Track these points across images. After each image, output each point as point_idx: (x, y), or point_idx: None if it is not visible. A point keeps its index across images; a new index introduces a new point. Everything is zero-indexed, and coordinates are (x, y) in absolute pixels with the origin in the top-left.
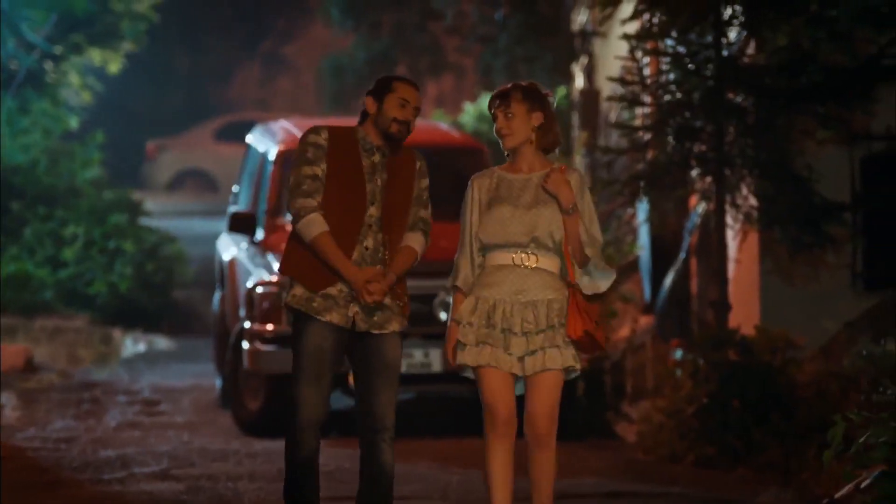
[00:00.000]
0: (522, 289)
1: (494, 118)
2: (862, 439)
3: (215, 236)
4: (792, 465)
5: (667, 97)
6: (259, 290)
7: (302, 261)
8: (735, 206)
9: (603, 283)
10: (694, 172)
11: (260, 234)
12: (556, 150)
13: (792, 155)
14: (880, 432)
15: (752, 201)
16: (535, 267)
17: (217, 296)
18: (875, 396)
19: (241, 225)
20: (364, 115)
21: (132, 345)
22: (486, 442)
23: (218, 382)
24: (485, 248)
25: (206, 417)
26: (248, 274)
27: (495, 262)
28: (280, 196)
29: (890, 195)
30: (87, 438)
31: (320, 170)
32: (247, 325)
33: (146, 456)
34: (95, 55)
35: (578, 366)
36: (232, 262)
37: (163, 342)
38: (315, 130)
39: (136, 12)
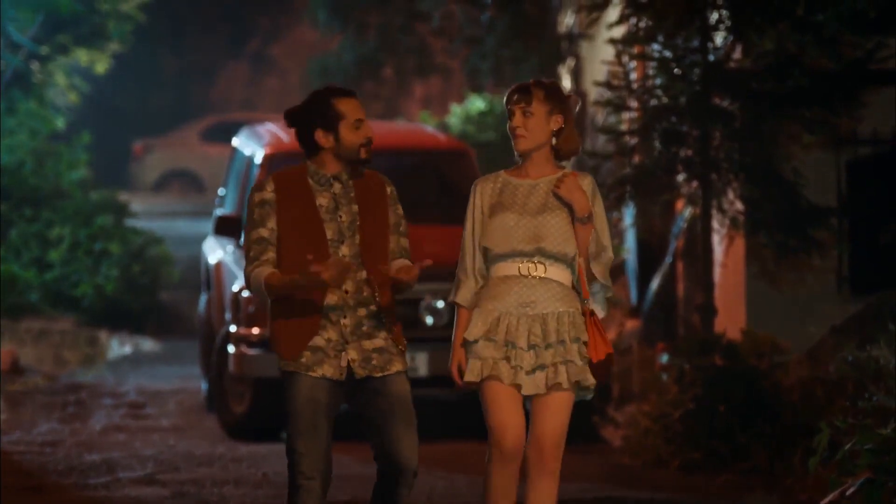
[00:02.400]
0: (530, 300)
1: (510, 114)
2: (847, 446)
3: (202, 237)
4: (778, 470)
5: (653, 102)
6: (245, 293)
7: (277, 330)
8: (721, 210)
9: (603, 313)
10: (680, 177)
11: None
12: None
13: (778, 159)
14: (865, 439)
15: (739, 206)
16: (544, 277)
17: (203, 299)
18: (861, 403)
19: (227, 228)
20: (310, 149)
21: (118, 347)
22: (488, 465)
23: (203, 386)
24: (489, 259)
25: (192, 421)
26: (234, 277)
27: (500, 272)
28: None
29: (876, 199)
30: (73, 442)
31: (267, 230)
32: (232, 328)
33: (131, 460)
34: (82, 55)
35: (592, 384)
36: (218, 265)
37: (149, 344)
38: (258, 186)
39: (123, 12)
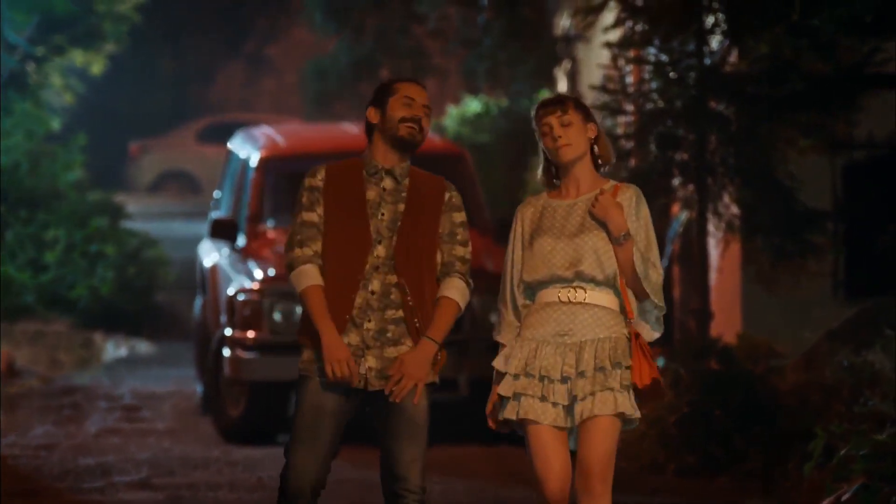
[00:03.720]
0: (568, 329)
1: (545, 129)
2: (843, 452)
3: (198, 238)
4: (774, 474)
5: (649, 105)
6: (240, 297)
7: (309, 324)
8: (717, 214)
9: (656, 333)
10: (676, 181)
11: (241, 241)
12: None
13: (774, 163)
14: (861, 444)
15: (734, 210)
16: (585, 302)
17: (198, 302)
18: (856, 408)
19: (223, 231)
20: (367, 135)
21: (113, 349)
22: None
23: (199, 389)
24: (532, 288)
25: (187, 424)
26: (230, 281)
27: (542, 300)
28: (261, 202)
29: (872, 203)
30: (68, 445)
31: (316, 215)
32: (228, 331)
33: (126, 464)
34: (78, 56)
35: (637, 414)
36: (213, 268)
37: (144, 346)
38: (311, 173)
39: (119, 13)
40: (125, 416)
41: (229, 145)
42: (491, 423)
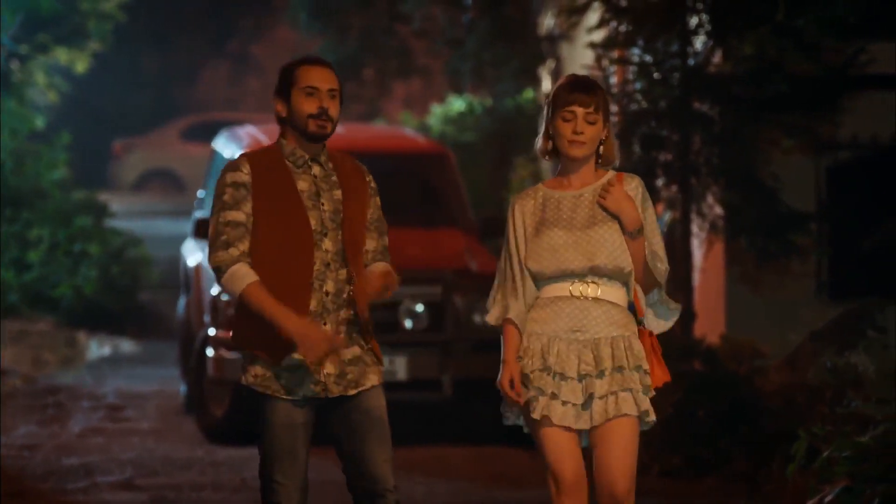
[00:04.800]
0: (581, 325)
1: (568, 114)
2: (826, 454)
3: (182, 237)
4: (758, 476)
5: (633, 106)
6: (224, 297)
7: (255, 327)
8: (701, 214)
9: (668, 323)
10: (660, 181)
11: None
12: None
13: (758, 164)
14: (844, 446)
15: (718, 210)
16: (597, 298)
17: (182, 301)
18: (839, 409)
19: (207, 231)
20: (280, 123)
21: (97, 348)
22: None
23: (182, 388)
24: (536, 281)
25: (171, 424)
26: (213, 280)
27: (550, 293)
28: None
29: (855, 204)
30: (51, 445)
31: (243, 213)
32: (211, 331)
33: (110, 464)
34: (62, 55)
35: (654, 417)
36: (197, 267)
37: (128, 345)
38: (232, 166)
39: (103, 12)
40: (109, 416)
41: (213, 145)
42: (518, 399)
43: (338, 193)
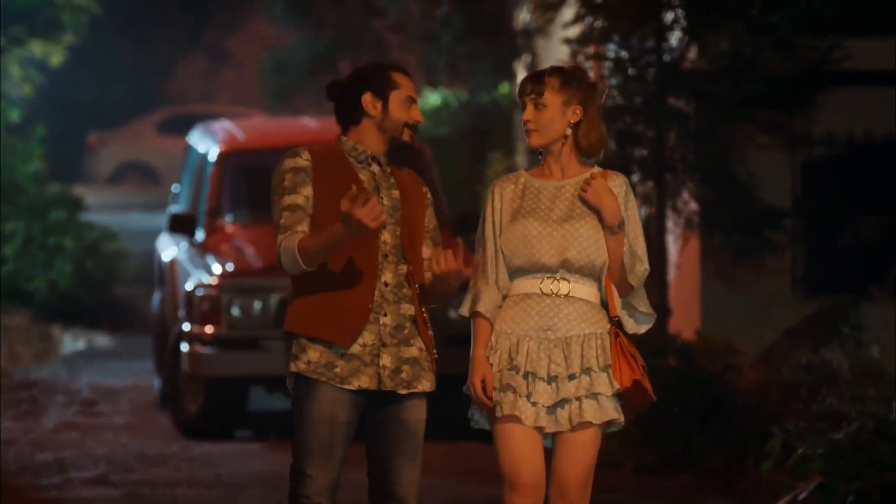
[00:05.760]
0: (551, 324)
1: (523, 107)
2: (800, 451)
3: (157, 230)
4: (733, 473)
5: (608, 102)
6: (199, 292)
7: (315, 309)
8: (676, 211)
9: (643, 327)
10: (635, 177)
11: (200, 236)
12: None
13: (733, 160)
14: (818, 444)
15: (694, 206)
16: (568, 295)
17: (156, 296)
18: (814, 407)
19: (182, 226)
20: (351, 119)
21: (72, 342)
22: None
23: (157, 383)
24: (508, 273)
25: (145, 419)
26: (188, 275)
27: (519, 290)
28: (220, 197)
29: (830, 201)
30: (26, 440)
31: (301, 196)
32: (186, 326)
33: (84, 460)
34: (37, 47)
35: (622, 418)
36: (172, 262)
37: (102, 339)
38: (292, 153)
39: (78, 4)
40: (83, 411)
41: (188, 139)
42: (487, 402)
43: (396, 193)
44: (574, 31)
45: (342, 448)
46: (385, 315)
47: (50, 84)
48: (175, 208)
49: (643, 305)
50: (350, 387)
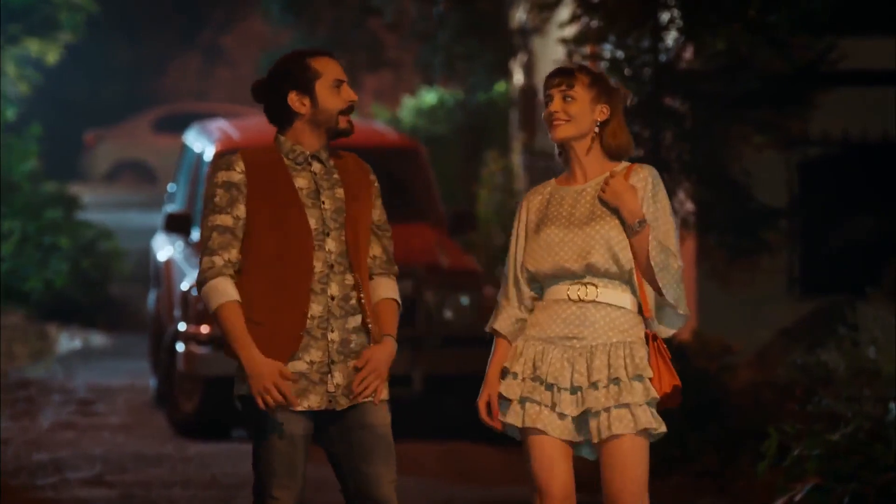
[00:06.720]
0: (577, 332)
1: (548, 100)
2: (796, 452)
3: (153, 229)
4: (728, 473)
5: None
6: (194, 291)
7: (253, 331)
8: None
9: (675, 328)
10: None
11: (196, 235)
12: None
13: (729, 160)
14: (814, 444)
15: (689, 206)
16: (596, 300)
17: (152, 295)
18: (810, 407)
19: (177, 225)
20: (283, 120)
21: (68, 341)
22: None
23: (152, 382)
24: (539, 283)
25: (141, 418)
26: (184, 275)
27: (551, 296)
28: None
29: (826, 200)
30: (21, 440)
31: (231, 217)
32: (181, 326)
33: (80, 460)
34: (33, 46)
35: (661, 427)
36: (167, 262)
37: (99, 338)
38: (224, 164)
39: (75, 3)
40: (79, 410)
41: (184, 139)
42: (495, 423)
43: (340, 192)
44: (570, 31)
45: (304, 462)
46: (332, 331)
47: (46, 82)
48: (171, 208)
49: (682, 307)
50: (300, 408)
